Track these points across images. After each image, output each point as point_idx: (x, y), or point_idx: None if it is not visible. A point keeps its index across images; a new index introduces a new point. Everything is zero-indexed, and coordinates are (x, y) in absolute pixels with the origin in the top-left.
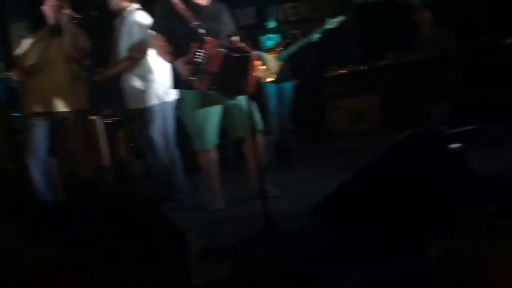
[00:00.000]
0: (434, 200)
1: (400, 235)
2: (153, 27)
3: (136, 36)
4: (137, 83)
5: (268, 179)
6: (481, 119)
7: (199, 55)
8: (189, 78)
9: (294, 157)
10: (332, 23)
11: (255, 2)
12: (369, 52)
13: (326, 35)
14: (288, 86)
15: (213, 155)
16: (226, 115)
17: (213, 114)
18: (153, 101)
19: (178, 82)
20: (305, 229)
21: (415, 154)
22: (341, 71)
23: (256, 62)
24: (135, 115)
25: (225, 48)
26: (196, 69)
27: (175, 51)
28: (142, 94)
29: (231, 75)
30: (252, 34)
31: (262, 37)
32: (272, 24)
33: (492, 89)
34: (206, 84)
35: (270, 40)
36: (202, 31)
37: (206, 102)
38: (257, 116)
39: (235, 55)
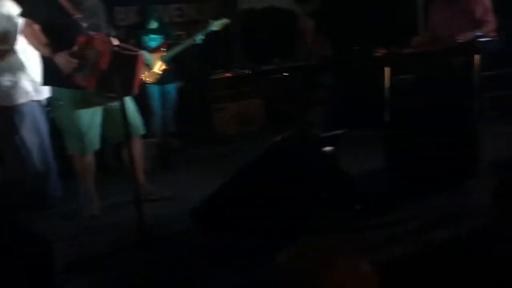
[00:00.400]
0: (306, 202)
1: (273, 237)
2: (26, 13)
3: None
4: (2, 78)
5: (152, 182)
6: (352, 124)
7: (87, 50)
8: (71, 74)
9: (178, 160)
10: (216, 25)
11: (138, 1)
12: (254, 57)
13: (212, 38)
14: (171, 87)
15: (90, 159)
16: (107, 118)
17: (96, 116)
18: (21, 99)
19: (54, 78)
20: (184, 234)
21: (288, 156)
22: (226, 74)
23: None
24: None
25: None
26: (82, 64)
27: (54, 43)
28: (9, 90)
29: (119, 74)
30: (134, 34)
31: (144, 37)
32: (154, 25)
33: (363, 96)
34: (92, 82)
35: (153, 40)
36: (85, 25)
37: (88, 102)
38: (139, 120)
39: (125, 53)
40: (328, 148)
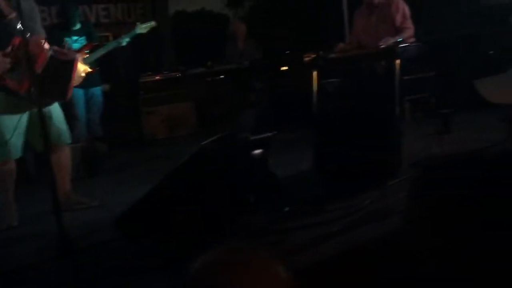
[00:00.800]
0: (234, 205)
1: (203, 242)
2: None
3: None
4: None
5: (78, 190)
6: (282, 126)
7: (21, 52)
8: (2, 76)
9: (105, 165)
10: (143, 28)
11: (61, 1)
12: (185, 60)
13: (142, 40)
14: (97, 91)
15: (11, 166)
16: (33, 124)
17: (22, 122)
18: None
19: None
20: (110, 243)
21: (216, 160)
22: (156, 77)
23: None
24: None
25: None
26: (15, 67)
27: None
28: None
29: (53, 79)
30: (56, 34)
31: (67, 39)
32: (77, 26)
33: (292, 99)
34: (25, 85)
35: (76, 42)
36: (20, 26)
37: (17, 107)
38: (66, 127)
39: (61, 58)
40: (257, 151)
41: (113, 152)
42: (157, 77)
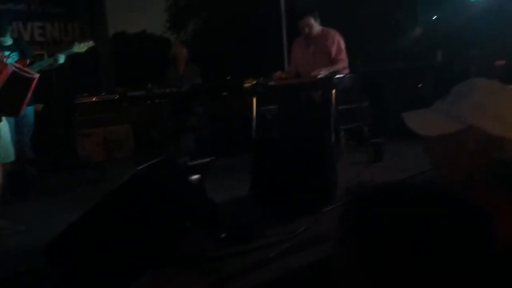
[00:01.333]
0: (170, 232)
1: (136, 270)
2: None
3: None
4: None
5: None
6: (221, 151)
7: None
8: None
9: (36, 189)
10: (80, 47)
11: None
12: (124, 82)
13: (78, 60)
14: (29, 110)
15: None
16: None
17: None
18: None
19: None
20: (35, 271)
21: (150, 186)
22: (93, 99)
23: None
24: None
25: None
26: None
27: None
28: None
29: (10, 95)
30: None
31: None
32: (9, 41)
33: (230, 124)
34: None
35: (8, 58)
36: None
37: None
38: (11, 144)
39: (22, 74)
40: (195, 176)
41: (45, 175)
42: (93, 99)
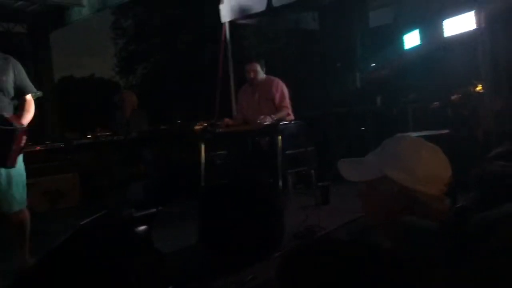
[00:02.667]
0: (115, 286)
1: None
2: None
3: None
4: None
5: None
6: (169, 199)
7: None
8: None
9: None
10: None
11: None
12: (71, 128)
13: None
14: None
15: None
16: None
17: None
18: None
19: None
20: None
21: (97, 239)
22: (36, 147)
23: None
24: None
25: None
26: None
27: None
28: None
29: None
30: None
31: None
32: None
33: (178, 171)
34: None
35: None
36: None
37: None
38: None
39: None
40: (141, 228)
41: None
42: (37, 148)
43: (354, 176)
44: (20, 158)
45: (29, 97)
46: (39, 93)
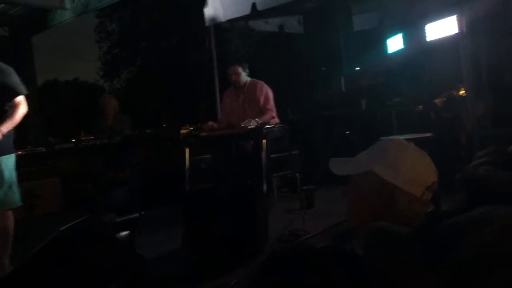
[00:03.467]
0: None
1: None
2: None
3: None
4: None
5: None
6: (153, 203)
7: None
8: None
9: None
10: None
11: None
12: (54, 132)
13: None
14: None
15: None
16: None
17: None
18: None
19: None
20: None
21: (77, 245)
22: (18, 152)
23: None
24: None
25: None
26: None
27: None
28: None
29: None
30: None
31: None
32: None
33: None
34: None
35: None
36: None
37: None
38: None
39: None
40: (123, 233)
41: None
42: (19, 152)
43: (342, 170)
44: (13, 157)
45: (18, 99)
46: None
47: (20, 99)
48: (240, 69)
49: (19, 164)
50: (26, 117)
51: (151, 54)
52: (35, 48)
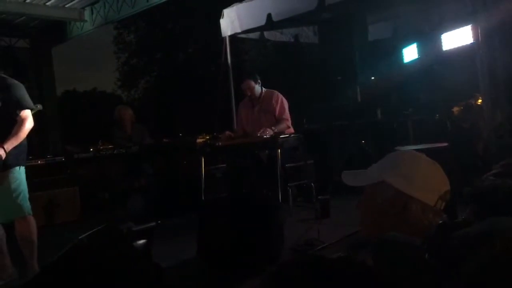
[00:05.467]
0: None
1: None
2: None
3: None
4: None
5: None
6: (170, 212)
7: None
8: None
9: None
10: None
11: None
12: (73, 141)
13: None
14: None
15: None
16: None
17: None
18: None
19: None
20: None
21: (95, 254)
22: (37, 162)
23: None
24: None
25: None
26: None
27: None
28: None
29: None
30: None
31: None
32: None
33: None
34: None
35: None
36: None
37: None
38: None
39: None
40: (140, 242)
41: None
42: (38, 161)
43: (355, 182)
44: (21, 169)
45: (24, 114)
46: (38, 107)
47: (27, 113)
48: (252, 83)
49: (39, 173)
50: (46, 126)
51: (168, 64)
52: (55, 59)
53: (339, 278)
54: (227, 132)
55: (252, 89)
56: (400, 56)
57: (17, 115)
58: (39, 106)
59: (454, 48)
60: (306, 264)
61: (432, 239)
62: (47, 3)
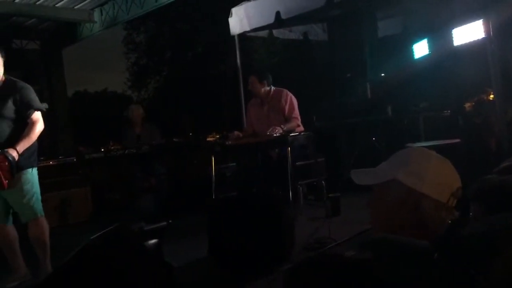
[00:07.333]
0: None
1: None
2: None
3: None
4: None
5: None
6: (180, 212)
7: None
8: None
9: None
10: None
11: None
12: (83, 142)
13: None
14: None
15: None
16: None
17: None
18: None
19: None
20: None
21: (107, 254)
22: (49, 162)
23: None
24: None
25: None
26: None
27: None
28: None
29: None
30: None
31: None
32: None
33: (189, 184)
34: None
35: None
36: None
37: None
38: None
39: None
40: (151, 241)
41: None
42: (50, 162)
43: (365, 180)
44: (34, 171)
45: (35, 116)
46: (44, 105)
47: (37, 116)
48: (255, 80)
49: (51, 174)
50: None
51: (178, 64)
52: (65, 60)
53: (357, 279)
54: (236, 132)
55: (251, 85)
56: (410, 52)
57: (28, 117)
58: (44, 105)
59: (465, 43)
60: (324, 263)
61: (443, 238)
62: (57, 5)
